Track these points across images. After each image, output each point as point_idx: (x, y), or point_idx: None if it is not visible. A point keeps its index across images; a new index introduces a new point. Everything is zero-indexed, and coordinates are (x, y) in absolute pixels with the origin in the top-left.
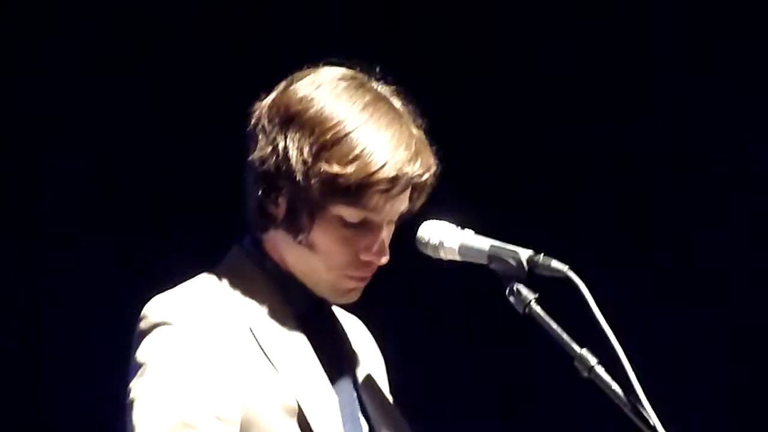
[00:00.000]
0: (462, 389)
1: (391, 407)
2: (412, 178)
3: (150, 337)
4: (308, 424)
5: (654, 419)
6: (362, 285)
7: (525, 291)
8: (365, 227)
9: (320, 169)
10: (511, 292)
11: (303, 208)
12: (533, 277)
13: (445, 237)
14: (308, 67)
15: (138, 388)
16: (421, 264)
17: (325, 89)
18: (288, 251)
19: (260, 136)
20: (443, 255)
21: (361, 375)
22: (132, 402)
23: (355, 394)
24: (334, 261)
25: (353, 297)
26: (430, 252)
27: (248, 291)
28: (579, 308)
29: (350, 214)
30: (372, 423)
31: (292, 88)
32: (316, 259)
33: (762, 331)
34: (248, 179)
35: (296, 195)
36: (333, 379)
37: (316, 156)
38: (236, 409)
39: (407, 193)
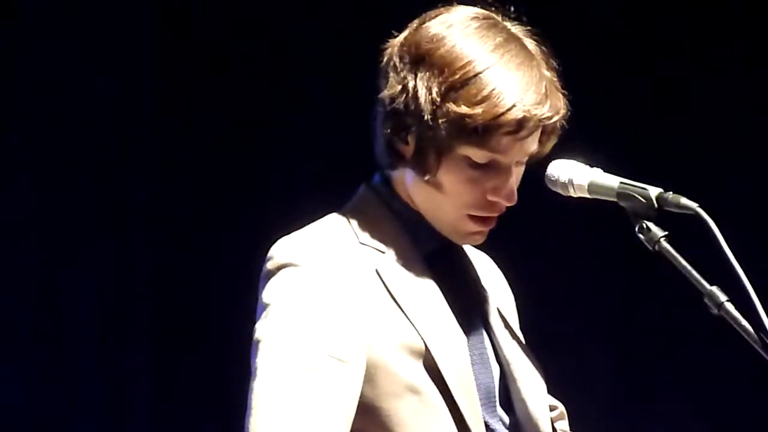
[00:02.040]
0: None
1: (523, 346)
2: (540, 120)
3: (276, 278)
4: (436, 365)
5: None
6: (487, 228)
7: (654, 228)
8: (493, 168)
9: (449, 109)
10: (641, 229)
11: (431, 148)
12: (662, 216)
13: (575, 174)
14: (441, 5)
15: (262, 329)
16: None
17: (457, 28)
18: (416, 190)
19: (391, 74)
20: (572, 192)
21: (492, 315)
22: (257, 343)
23: (485, 335)
24: (460, 201)
25: (477, 240)
26: (559, 189)
27: (375, 232)
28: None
29: (477, 154)
30: (503, 364)
31: (424, 26)
32: (443, 198)
33: None
34: (378, 117)
35: (424, 134)
36: (462, 319)
37: (445, 96)
38: (360, 351)
39: (536, 135)
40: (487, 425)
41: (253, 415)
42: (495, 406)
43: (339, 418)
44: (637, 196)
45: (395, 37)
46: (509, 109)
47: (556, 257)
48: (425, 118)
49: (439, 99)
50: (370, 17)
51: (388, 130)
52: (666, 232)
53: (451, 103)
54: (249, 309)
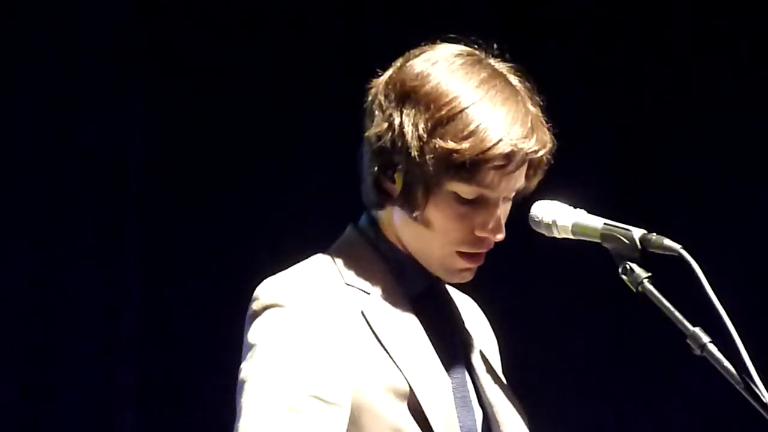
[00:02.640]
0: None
1: (506, 390)
2: (527, 154)
3: (261, 319)
4: (420, 407)
5: (767, 397)
6: (475, 265)
7: (638, 269)
8: (481, 204)
9: (435, 145)
10: (624, 270)
11: (418, 184)
12: (646, 257)
13: (558, 215)
14: (425, 44)
15: (247, 369)
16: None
17: (442, 65)
18: (404, 228)
19: (376, 112)
20: (556, 233)
21: (475, 358)
22: (242, 383)
23: (468, 378)
24: (448, 237)
25: (466, 277)
26: (543, 230)
27: (361, 272)
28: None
29: (465, 190)
30: (485, 407)
31: (408, 64)
32: (431, 236)
33: None
34: (364, 156)
35: (412, 171)
36: (446, 362)
37: (432, 132)
38: (345, 393)
39: (523, 170)
40: None
41: None
42: None
43: None
44: (620, 237)
45: (379, 76)
46: (496, 144)
47: (541, 297)
48: (413, 154)
49: (425, 135)
50: (354, 54)
51: (375, 169)
52: (649, 274)
53: (438, 139)
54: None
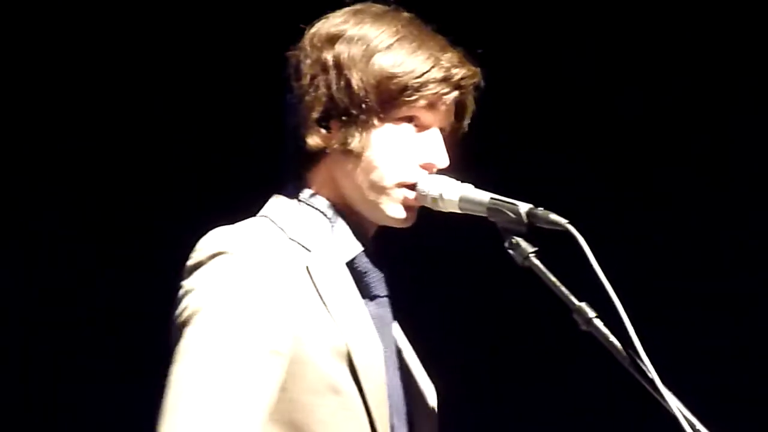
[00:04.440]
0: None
1: (418, 363)
2: (462, 78)
3: (207, 266)
4: (356, 369)
5: (652, 373)
6: (418, 204)
7: (524, 244)
8: (420, 132)
9: (374, 72)
10: (511, 245)
11: (359, 116)
12: (534, 232)
13: (445, 189)
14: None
15: (186, 315)
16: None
17: (364, 11)
18: (344, 178)
19: (305, 63)
20: (443, 207)
21: (395, 328)
22: (181, 326)
23: (394, 346)
24: (391, 168)
25: (409, 219)
26: (429, 204)
27: (301, 229)
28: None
29: (404, 117)
30: (407, 375)
31: (327, 19)
32: (375, 169)
33: None
34: (290, 118)
35: (352, 104)
36: (378, 327)
37: (368, 61)
38: (286, 343)
39: (455, 101)
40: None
41: (169, 396)
42: (401, 415)
43: (257, 405)
44: (507, 211)
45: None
46: (432, 67)
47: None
48: (352, 85)
49: (363, 65)
50: None
51: (313, 116)
52: (536, 248)
53: (376, 67)
54: None
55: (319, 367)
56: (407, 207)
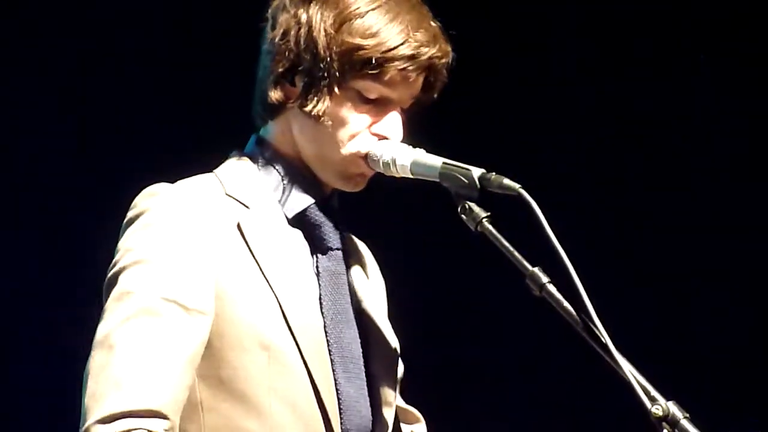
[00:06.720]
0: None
1: (384, 317)
2: (430, 58)
3: (135, 224)
4: (287, 323)
5: (605, 337)
6: (369, 172)
7: (477, 209)
8: (380, 104)
9: (341, 40)
10: (463, 210)
11: (321, 83)
12: (486, 196)
13: (398, 154)
14: None
15: (111, 275)
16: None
17: None
18: (302, 134)
19: (282, 15)
20: (395, 172)
21: (358, 281)
22: (107, 287)
23: (348, 298)
24: (347, 133)
25: (359, 184)
26: (381, 169)
27: (243, 186)
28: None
29: (367, 88)
30: (363, 327)
31: None
32: (330, 136)
33: None
34: (264, 62)
35: (316, 67)
36: (323, 281)
37: (338, 28)
38: (208, 301)
39: (422, 77)
40: (337, 385)
41: (93, 355)
42: (349, 367)
43: (181, 362)
44: (459, 176)
45: None
46: (401, 44)
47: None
48: (319, 48)
49: (332, 30)
50: None
51: (278, 70)
52: (488, 213)
53: (345, 35)
54: None
55: (246, 324)
56: (358, 174)
